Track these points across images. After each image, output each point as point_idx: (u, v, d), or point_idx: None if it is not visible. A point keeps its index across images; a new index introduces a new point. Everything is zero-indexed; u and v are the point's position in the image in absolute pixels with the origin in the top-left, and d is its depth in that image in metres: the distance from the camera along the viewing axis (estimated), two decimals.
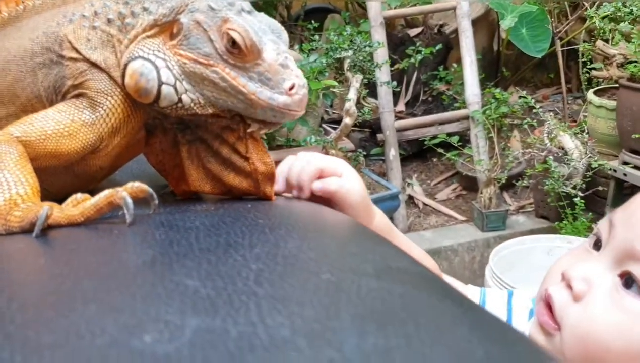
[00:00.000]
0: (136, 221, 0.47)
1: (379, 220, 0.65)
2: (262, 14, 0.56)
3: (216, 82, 0.53)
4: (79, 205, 0.49)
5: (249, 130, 0.57)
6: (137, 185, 0.49)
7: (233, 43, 0.52)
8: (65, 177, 0.59)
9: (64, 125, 0.54)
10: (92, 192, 0.54)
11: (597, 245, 0.57)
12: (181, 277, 0.32)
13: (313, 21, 2.76)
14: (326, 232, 0.45)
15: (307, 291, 0.30)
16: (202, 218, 0.45)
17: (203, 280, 0.31)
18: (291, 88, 0.53)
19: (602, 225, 0.57)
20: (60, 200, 0.55)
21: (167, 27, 0.54)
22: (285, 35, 0.56)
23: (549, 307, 0.55)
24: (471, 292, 0.77)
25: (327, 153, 2.38)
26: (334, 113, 3.11)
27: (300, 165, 0.61)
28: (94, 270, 0.36)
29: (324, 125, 2.83)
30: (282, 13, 3.39)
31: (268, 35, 0.54)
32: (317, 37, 2.47)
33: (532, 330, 0.57)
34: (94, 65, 0.56)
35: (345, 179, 0.61)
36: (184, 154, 0.59)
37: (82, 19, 0.57)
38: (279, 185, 0.61)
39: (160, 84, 0.54)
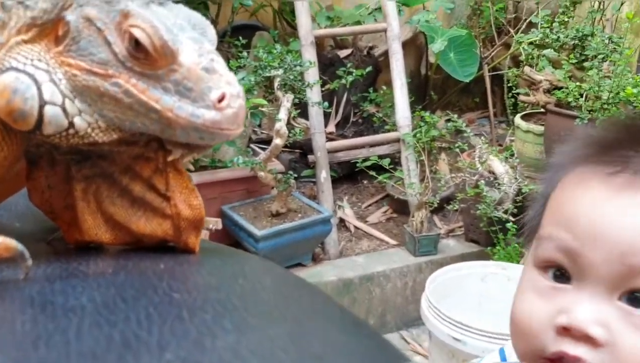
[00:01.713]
0: None
1: None
2: (180, 5, 0.43)
3: (118, 97, 0.40)
4: None
5: (169, 158, 0.44)
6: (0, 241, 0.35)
7: (137, 44, 0.39)
8: None
9: None
10: None
11: (563, 275, 0.49)
12: None
13: (241, 38, 2.64)
14: (274, 313, 0.32)
15: None
16: (92, 289, 0.32)
17: None
18: (220, 100, 0.41)
19: (552, 253, 0.49)
20: None
21: (51, 29, 0.41)
22: (211, 31, 0.43)
23: None
24: None
25: (255, 174, 2.26)
26: (262, 133, 3.00)
27: None
28: None
29: (252, 145, 2.71)
30: None
31: (187, 32, 0.41)
32: (245, 53, 2.36)
33: None
34: None
35: None
36: (78, 193, 0.45)
37: None
38: None
39: (43, 104, 0.40)
